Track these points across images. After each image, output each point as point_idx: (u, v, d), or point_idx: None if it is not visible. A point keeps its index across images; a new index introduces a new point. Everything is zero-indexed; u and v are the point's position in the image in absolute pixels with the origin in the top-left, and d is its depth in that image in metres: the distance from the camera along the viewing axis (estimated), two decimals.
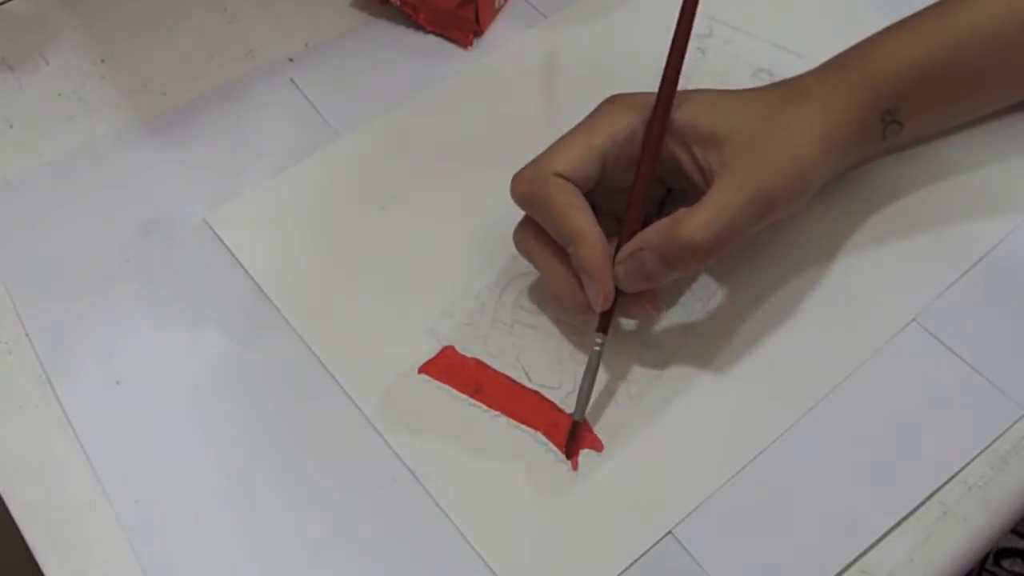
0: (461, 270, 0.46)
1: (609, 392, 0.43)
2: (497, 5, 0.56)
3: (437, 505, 0.40)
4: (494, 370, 0.44)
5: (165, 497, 0.41)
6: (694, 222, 0.39)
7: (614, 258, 0.41)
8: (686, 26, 0.42)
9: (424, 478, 0.41)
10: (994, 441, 0.41)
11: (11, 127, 0.53)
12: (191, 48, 0.56)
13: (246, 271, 0.47)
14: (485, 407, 0.43)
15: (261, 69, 0.54)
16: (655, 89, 0.42)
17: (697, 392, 0.43)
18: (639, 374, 0.43)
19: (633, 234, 0.41)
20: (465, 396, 0.43)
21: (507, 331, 0.45)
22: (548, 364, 0.44)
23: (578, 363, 0.43)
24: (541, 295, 0.45)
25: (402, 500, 0.41)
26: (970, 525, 0.39)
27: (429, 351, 0.44)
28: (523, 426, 0.42)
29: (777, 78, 0.45)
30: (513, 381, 0.43)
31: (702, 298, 0.45)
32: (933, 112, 0.46)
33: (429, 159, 0.50)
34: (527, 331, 0.45)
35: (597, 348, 0.41)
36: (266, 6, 0.57)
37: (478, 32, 0.55)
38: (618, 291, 0.41)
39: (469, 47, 0.55)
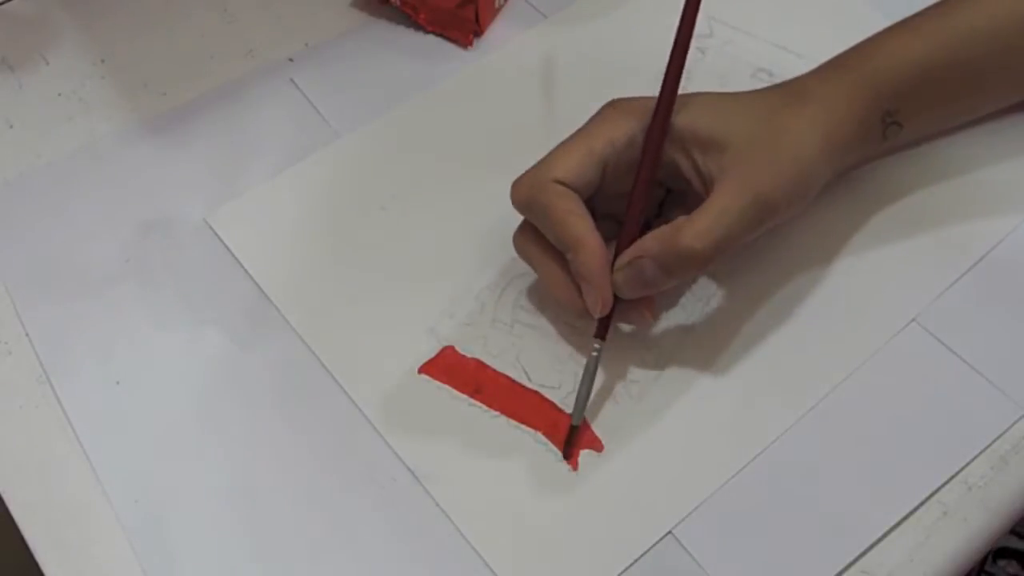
0: (461, 270, 0.46)
1: (609, 393, 0.43)
2: (497, 5, 0.56)
3: (437, 505, 0.40)
4: (494, 370, 0.44)
5: (165, 497, 0.41)
6: (693, 229, 0.39)
7: (613, 264, 0.41)
8: (687, 32, 0.42)
9: (424, 478, 0.41)
10: (994, 441, 0.41)
11: (11, 127, 0.53)
12: (191, 48, 0.56)
13: (246, 271, 0.47)
14: (485, 407, 0.43)
15: (261, 69, 0.54)
16: (655, 90, 0.42)
17: (697, 392, 0.43)
18: (639, 375, 0.43)
19: (632, 240, 0.41)
20: (465, 396, 0.43)
21: (507, 331, 0.45)
22: (548, 364, 0.44)
23: (578, 363, 0.43)
24: (541, 296, 0.45)
25: (402, 500, 0.41)
26: (970, 525, 0.39)
27: (429, 351, 0.44)
28: (523, 426, 0.42)
29: (777, 78, 0.45)
30: (513, 381, 0.43)
31: (702, 299, 0.45)
32: (933, 112, 0.46)
33: (429, 159, 0.50)
34: (527, 331, 0.45)
35: (595, 354, 0.41)
36: (266, 6, 0.57)
37: (478, 32, 0.55)
38: (616, 297, 0.41)
39: (469, 47, 0.55)
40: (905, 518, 0.39)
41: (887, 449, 0.41)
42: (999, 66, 0.45)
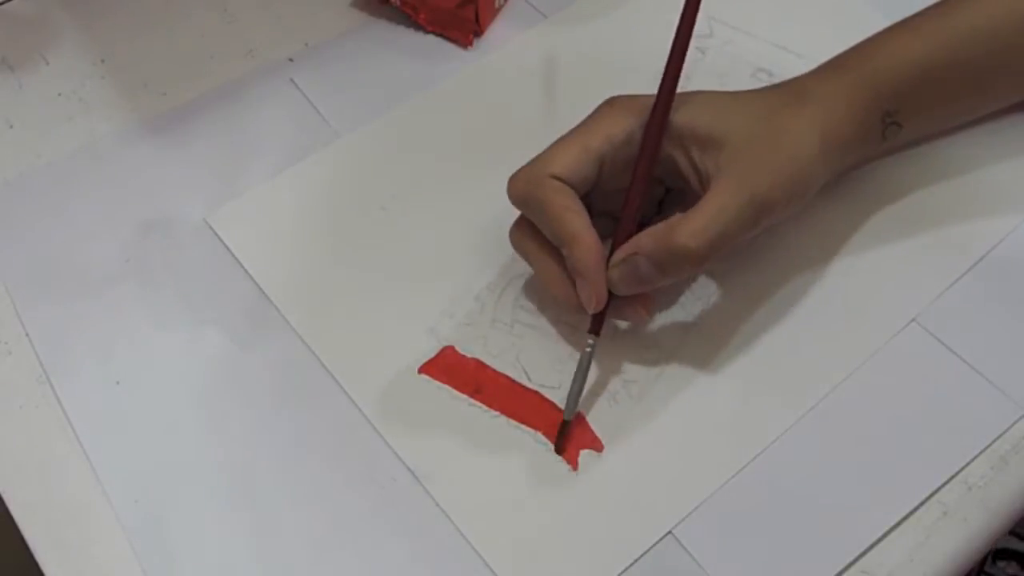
0: (461, 270, 0.46)
1: (609, 392, 0.43)
2: (497, 5, 0.56)
3: (437, 505, 0.40)
4: (494, 370, 0.44)
5: (165, 497, 0.41)
6: (688, 228, 0.39)
7: (608, 261, 0.41)
8: (687, 30, 0.42)
9: (424, 478, 0.41)
10: (994, 441, 0.41)
11: (11, 127, 0.53)
12: (191, 48, 0.56)
13: (246, 271, 0.47)
14: (485, 407, 0.43)
15: (261, 69, 0.54)
16: (655, 89, 0.42)
17: (697, 392, 0.43)
18: (639, 374, 0.43)
19: (629, 236, 0.41)
20: (465, 396, 0.43)
21: (507, 331, 0.45)
22: (548, 364, 0.44)
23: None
24: (541, 295, 0.45)
25: (402, 500, 0.41)
26: (970, 525, 0.39)
27: (429, 351, 0.44)
28: (523, 426, 0.42)
29: (777, 78, 0.45)
30: (513, 381, 0.43)
31: (702, 298, 0.45)
32: (933, 112, 0.46)
33: (429, 159, 0.50)
34: (527, 331, 0.45)
35: (588, 349, 0.41)
36: (266, 6, 0.57)
37: (478, 32, 0.55)
38: (611, 293, 0.41)
39: (469, 47, 0.55)
40: (905, 518, 0.39)
41: (887, 449, 0.41)
42: (999, 66, 0.45)
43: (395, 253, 0.47)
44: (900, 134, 0.45)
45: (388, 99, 0.53)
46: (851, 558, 0.38)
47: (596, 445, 0.41)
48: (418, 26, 0.56)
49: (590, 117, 0.43)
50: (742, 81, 0.51)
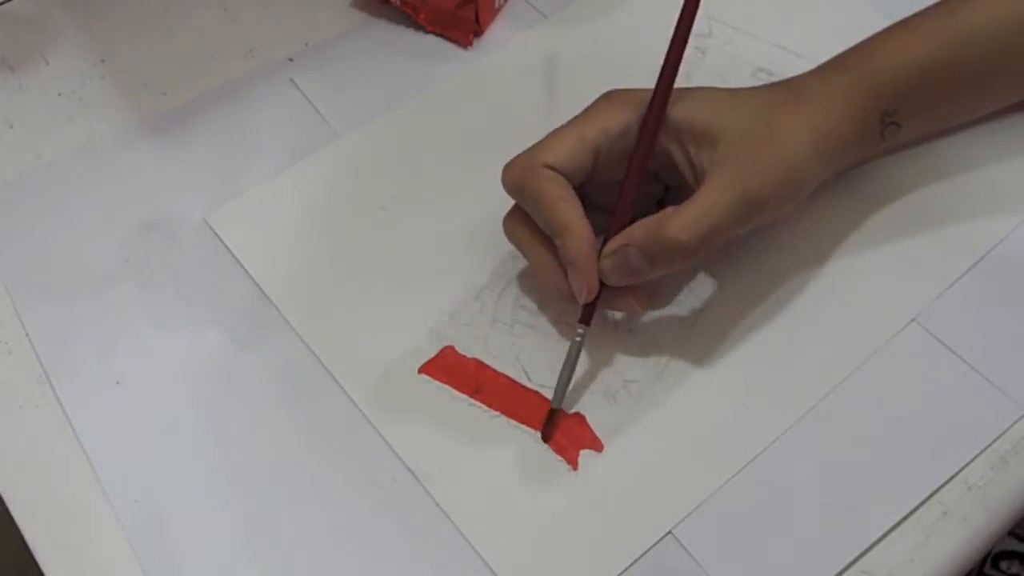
0: (461, 270, 0.46)
1: (609, 392, 0.43)
2: (497, 5, 0.56)
3: (437, 505, 0.40)
4: (494, 370, 0.44)
5: (165, 497, 0.41)
6: (679, 221, 0.39)
7: (600, 252, 0.41)
8: (686, 23, 0.42)
9: (424, 478, 0.41)
10: (994, 441, 0.41)
11: (11, 127, 0.53)
12: (191, 48, 0.56)
13: (246, 271, 0.47)
14: (485, 407, 0.43)
15: (261, 69, 0.54)
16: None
17: (697, 392, 0.43)
18: (639, 374, 0.43)
19: (622, 228, 0.41)
20: (465, 396, 0.43)
21: (507, 331, 0.45)
22: (548, 364, 0.44)
23: (579, 363, 0.43)
24: (541, 295, 0.45)
25: (402, 500, 0.41)
26: (970, 525, 0.39)
27: (429, 351, 0.44)
28: (523, 426, 0.42)
29: (777, 78, 0.45)
30: (513, 381, 0.43)
31: (702, 298, 0.45)
32: (932, 113, 0.46)
33: (429, 159, 0.50)
34: (527, 331, 0.45)
35: (578, 339, 0.41)
36: (266, 6, 0.57)
37: (478, 32, 0.55)
38: (603, 283, 0.41)
39: (469, 47, 0.55)
40: (905, 518, 0.39)
41: (887, 449, 0.41)
42: (999, 66, 0.45)
43: (395, 253, 0.47)
44: (899, 134, 0.45)
45: (388, 99, 0.53)
46: (851, 558, 0.38)
47: (596, 445, 0.41)
48: (418, 26, 0.56)
49: (587, 109, 0.43)
50: (742, 81, 0.51)
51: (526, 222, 0.42)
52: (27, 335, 0.45)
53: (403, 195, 0.49)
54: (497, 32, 0.56)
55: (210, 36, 0.56)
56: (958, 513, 0.40)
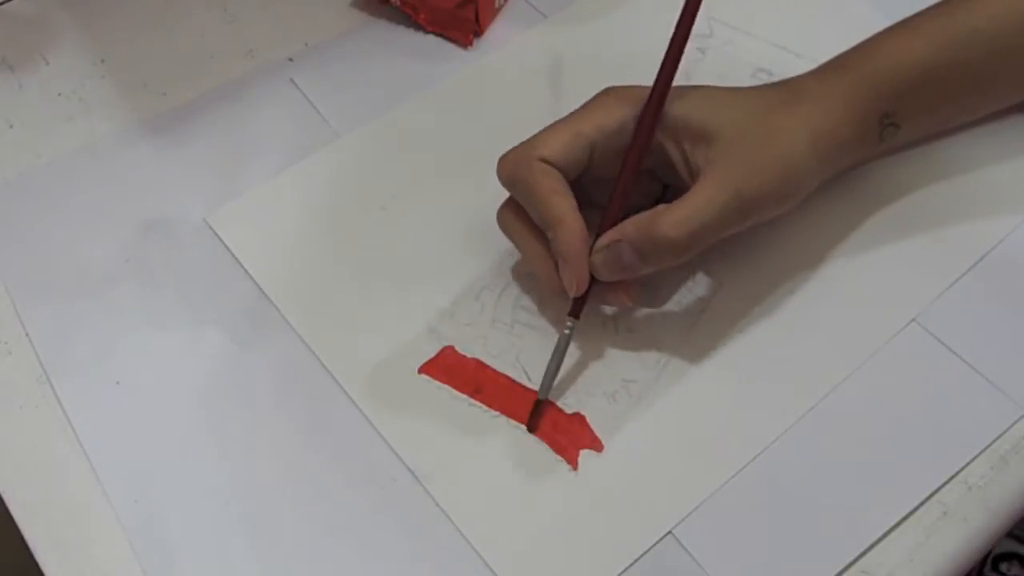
0: (461, 270, 0.46)
1: (609, 392, 0.43)
2: (497, 5, 0.56)
3: (437, 505, 0.40)
4: (494, 370, 0.44)
5: (165, 497, 0.41)
6: (671, 218, 0.39)
7: (593, 246, 0.41)
8: (687, 21, 0.42)
9: (424, 478, 0.41)
10: (994, 441, 0.41)
11: (11, 127, 0.53)
12: (191, 48, 0.56)
13: (246, 271, 0.47)
14: (485, 407, 0.43)
15: (261, 69, 0.54)
16: None
17: (697, 393, 0.43)
18: (639, 374, 0.43)
19: (615, 223, 0.41)
20: (465, 396, 0.43)
21: (507, 331, 0.45)
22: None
23: (579, 363, 0.43)
24: (541, 295, 0.46)
25: (402, 500, 0.41)
26: (970, 525, 0.39)
27: (429, 351, 0.44)
28: (523, 426, 0.42)
29: (777, 78, 0.45)
30: (513, 381, 0.43)
31: (702, 298, 0.45)
32: (932, 114, 0.46)
33: (429, 159, 0.50)
34: (527, 331, 0.45)
35: (567, 331, 0.42)
36: (266, 6, 0.57)
37: (478, 32, 0.55)
38: (594, 278, 0.41)
39: (469, 47, 0.55)
40: (905, 518, 0.39)
41: (887, 449, 0.41)
42: (999, 67, 0.45)
43: (395, 253, 0.47)
44: (898, 135, 0.45)
45: (388, 99, 0.53)
46: (851, 558, 0.38)
47: (596, 445, 0.41)
48: (418, 26, 0.56)
49: (585, 104, 0.43)
50: (742, 81, 0.51)
51: (520, 214, 0.42)
52: (27, 335, 0.45)
53: (403, 195, 0.49)
54: (497, 32, 0.56)
55: (210, 36, 0.56)
56: (958, 513, 0.40)
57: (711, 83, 0.44)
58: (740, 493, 0.40)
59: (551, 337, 0.44)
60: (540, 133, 0.42)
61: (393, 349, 0.44)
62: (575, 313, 0.42)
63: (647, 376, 0.43)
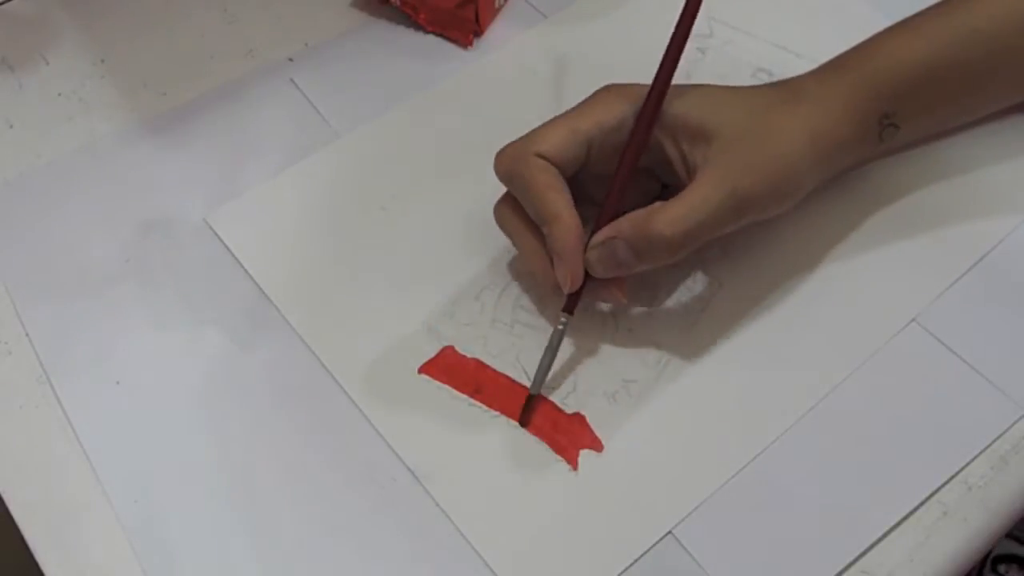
0: (461, 270, 0.46)
1: (609, 392, 0.43)
2: (497, 5, 0.56)
3: (437, 505, 0.40)
4: (494, 370, 0.44)
5: (165, 497, 0.41)
6: (667, 216, 0.39)
7: (588, 243, 0.41)
8: (688, 20, 0.42)
9: (424, 478, 0.41)
10: (994, 441, 0.41)
11: (11, 127, 0.53)
12: (191, 48, 0.56)
13: (246, 271, 0.47)
14: (485, 407, 0.43)
15: (261, 69, 0.54)
16: None
17: (697, 392, 0.43)
18: (639, 374, 0.43)
19: (610, 220, 0.41)
20: (465, 396, 0.43)
21: (507, 331, 0.45)
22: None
23: (579, 363, 0.43)
24: (541, 296, 0.45)
25: (402, 500, 0.41)
26: (970, 525, 0.39)
27: (429, 351, 0.44)
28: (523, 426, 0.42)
29: (777, 78, 0.45)
30: (513, 381, 0.43)
31: (702, 298, 0.45)
32: (932, 114, 0.46)
33: (429, 159, 0.50)
34: (527, 331, 0.45)
35: (560, 327, 0.42)
36: (266, 6, 0.57)
37: (478, 32, 0.55)
38: (589, 274, 0.41)
39: (469, 47, 0.55)
40: (905, 518, 0.39)
41: (887, 449, 0.41)
42: (999, 67, 0.45)
43: (395, 253, 0.47)
44: (897, 136, 0.45)
45: (388, 99, 0.53)
46: (851, 558, 0.38)
47: (596, 445, 0.41)
48: (418, 26, 0.56)
49: (585, 101, 0.43)
50: (742, 81, 0.51)
51: (516, 210, 0.43)
52: (27, 335, 0.45)
53: (403, 195, 0.49)
54: (497, 32, 0.56)
55: (210, 36, 0.56)
56: (958, 513, 0.40)
57: (711, 83, 0.44)
58: (740, 493, 0.40)
59: None
60: (538, 128, 0.42)
61: (393, 349, 0.44)
62: (569, 309, 0.42)
63: (647, 376, 0.43)
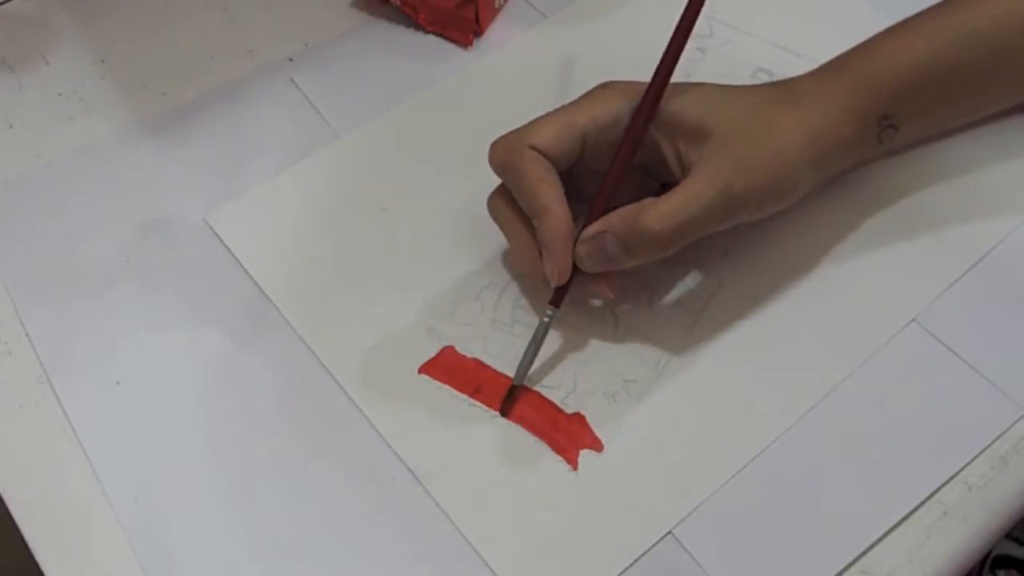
0: (461, 270, 0.46)
1: (609, 392, 0.43)
2: (497, 5, 0.56)
3: (437, 505, 0.40)
4: (494, 370, 0.44)
5: (165, 497, 0.41)
6: (656, 211, 0.39)
7: (578, 237, 0.41)
8: (689, 19, 0.42)
9: (424, 478, 0.41)
10: (994, 441, 0.41)
11: (11, 127, 0.53)
12: (191, 48, 0.56)
13: (246, 271, 0.47)
14: (485, 407, 0.43)
15: (261, 69, 0.54)
16: None
17: (697, 392, 0.43)
18: (639, 374, 0.43)
19: (602, 215, 0.41)
20: (465, 396, 0.43)
21: (507, 331, 0.45)
22: (548, 364, 0.44)
23: (579, 363, 0.43)
24: (541, 295, 0.45)
25: (402, 500, 0.41)
26: (970, 525, 0.39)
27: (429, 351, 0.44)
28: (523, 426, 0.42)
29: (777, 78, 0.45)
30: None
31: (702, 298, 0.45)
32: (931, 115, 0.46)
33: (429, 159, 0.50)
34: (527, 331, 0.44)
35: (546, 320, 0.42)
36: (266, 6, 0.57)
37: (478, 32, 0.55)
38: (579, 269, 0.41)
39: (469, 47, 0.55)
40: (905, 518, 0.39)
41: (887, 449, 0.41)
42: (999, 68, 0.45)
43: (395, 253, 0.47)
44: (896, 137, 0.45)
45: (388, 99, 0.53)
46: (851, 558, 0.38)
47: (596, 445, 0.41)
48: (418, 26, 0.56)
49: (583, 96, 0.43)
50: (742, 81, 0.50)
51: (509, 201, 0.43)
52: (27, 335, 0.45)
53: (403, 195, 0.49)
54: (497, 32, 0.56)
55: (210, 36, 0.56)
56: (958, 513, 0.40)
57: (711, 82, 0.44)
58: (740, 493, 0.40)
59: (551, 337, 0.44)
60: (534, 121, 0.42)
61: (393, 349, 0.44)
62: (556, 302, 0.42)
63: (647, 376, 0.43)
